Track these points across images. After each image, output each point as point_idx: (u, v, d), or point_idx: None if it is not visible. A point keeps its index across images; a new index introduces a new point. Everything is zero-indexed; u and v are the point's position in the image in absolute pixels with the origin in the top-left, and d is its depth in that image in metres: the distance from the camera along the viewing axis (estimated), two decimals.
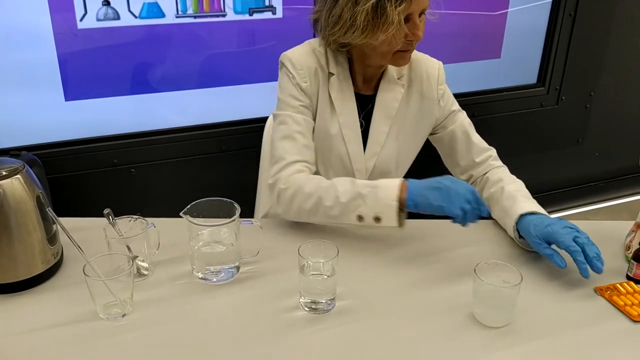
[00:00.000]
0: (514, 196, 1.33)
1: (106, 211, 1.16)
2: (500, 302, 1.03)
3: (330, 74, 1.38)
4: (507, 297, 1.03)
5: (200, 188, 2.16)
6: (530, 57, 2.60)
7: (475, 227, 1.23)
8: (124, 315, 1.06)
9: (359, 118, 1.42)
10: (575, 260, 1.13)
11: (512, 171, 1.47)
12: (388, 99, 1.42)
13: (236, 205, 1.16)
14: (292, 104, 1.36)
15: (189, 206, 1.14)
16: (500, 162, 1.47)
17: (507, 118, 2.61)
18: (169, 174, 2.10)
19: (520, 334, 1.04)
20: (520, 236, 1.25)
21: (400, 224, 1.21)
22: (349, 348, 1.00)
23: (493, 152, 1.48)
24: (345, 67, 1.39)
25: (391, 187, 1.21)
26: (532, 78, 2.65)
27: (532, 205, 1.29)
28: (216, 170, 2.16)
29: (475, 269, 1.05)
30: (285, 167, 1.32)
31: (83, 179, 1.98)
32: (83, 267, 1.03)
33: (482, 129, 1.52)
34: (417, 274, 1.20)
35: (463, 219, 1.17)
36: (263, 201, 1.73)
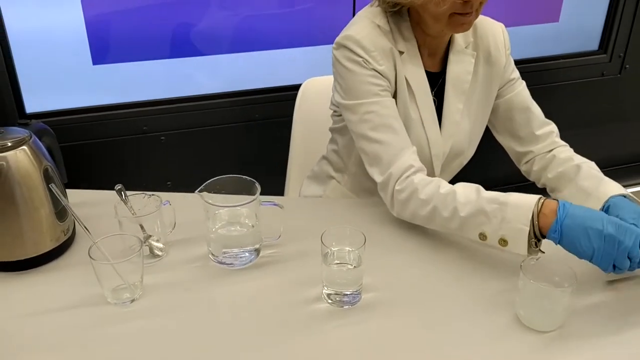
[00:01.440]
0: (597, 176, 1.18)
1: (118, 187, 1.07)
2: (549, 304, 0.91)
3: (400, 52, 1.22)
4: (558, 300, 0.90)
5: (230, 157, 2.08)
6: (592, 21, 2.39)
7: None
8: (132, 301, 0.98)
9: (432, 96, 1.28)
10: None
11: (570, 145, 1.33)
12: (460, 72, 1.28)
13: (257, 184, 1.06)
14: (373, 90, 1.19)
15: (205, 184, 1.05)
16: (562, 141, 1.32)
17: (564, 88, 2.42)
18: (200, 142, 2.02)
19: (572, 341, 0.91)
20: None
21: (532, 253, 1.00)
22: (374, 347, 0.90)
23: (554, 128, 1.33)
24: (414, 44, 1.23)
25: (525, 207, 0.99)
26: (593, 44, 2.45)
27: (621, 188, 1.13)
28: (247, 139, 2.07)
29: (521, 266, 0.92)
30: (392, 161, 1.15)
31: (111, 146, 1.92)
32: (89, 248, 0.95)
33: (536, 100, 1.37)
34: (454, 265, 1.08)
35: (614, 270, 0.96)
36: (294, 177, 1.63)
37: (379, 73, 1.19)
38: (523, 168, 1.36)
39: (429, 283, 1.03)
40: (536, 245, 1.00)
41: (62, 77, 1.80)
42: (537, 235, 0.99)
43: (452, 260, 1.09)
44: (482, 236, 1.04)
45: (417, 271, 1.06)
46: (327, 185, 1.46)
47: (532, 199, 1.00)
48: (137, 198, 1.09)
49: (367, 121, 1.18)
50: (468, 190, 1.07)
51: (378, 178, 1.18)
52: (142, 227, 1.07)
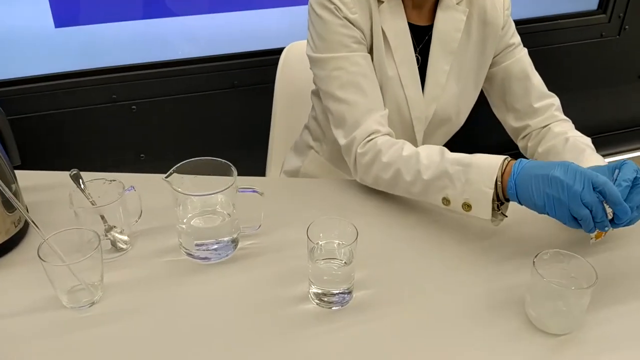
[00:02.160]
0: (580, 147, 1.09)
1: (72, 172, 0.94)
2: (565, 305, 0.80)
3: (380, 2, 1.11)
4: (575, 301, 0.80)
5: (208, 127, 1.94)
6: None
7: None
8: (92, 304, 0.86)
9: (415, 54, 1.16)
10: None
11: (564, 109, 1.22)
12: (448, 29, 1.16)
13: (233, 168, 0.93)
14: (344, 42, 1.09)
15: (174, 168, 0.92)
16: (564, 115, 1.21)
17: (561, 49, 2.30)
18: (174, 112, 1.88)
19: (589, 345, 0.81)
20: None
21: (496, 217, 0.95)
22: (368, 354, 0.79)
23: (556, 100, 1.21)
24: None
25: (489, 168, 0.92)
26: (591, 4, 2.32)
27: (601, 160, 1.04)
28: (226, 108, 1.92)
29: (534, 261, 0.81)
30: (357, 124, 1.08)
31: (76, 117, 1.77)
32: (38, 247, 0.83)
33: (532, 62, 1.25)
34: (457, 259, 0.96)
35: (581, 226, 0.86)
36: (276, 149, 1.51)
37: (350, 22, 1.09)
38: (520, 144, 1.26)
39: (429, 279, 0.92)
40: (499, 208, 0.94)
41: (19, 41, 1.64)
42: (500, 198, 0.93)
43: (452, 251, 0.98)
44: (446, 201, 0.97)
45: (413, 264, 0.95)
46: (305, 156, 1.35)
47: (497, 160, 0.93)
48: (96, 184, 0.96)
49: (335, 78, 1.09)
50: (432, 152, 1.00)
51: (342, 141, 1.11)
52: (102, 217, 0.94)
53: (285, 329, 0.83)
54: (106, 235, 0.94)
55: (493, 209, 0.93)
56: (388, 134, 1.09)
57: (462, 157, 0.97)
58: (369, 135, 1.07)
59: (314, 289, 0.87)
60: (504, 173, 0.92)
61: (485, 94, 1.28)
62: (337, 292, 0.86)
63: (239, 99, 1.91)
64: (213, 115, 1.92)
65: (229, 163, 0.93)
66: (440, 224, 1.03)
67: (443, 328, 0.84)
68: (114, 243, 0.95)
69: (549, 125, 1.19)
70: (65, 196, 0.92)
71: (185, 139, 1.91)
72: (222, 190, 0.89)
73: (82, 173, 0.99)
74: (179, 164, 0.93)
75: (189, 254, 0.94)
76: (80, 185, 0.94)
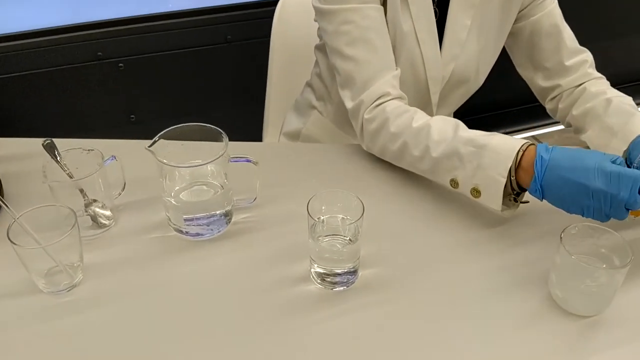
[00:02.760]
0: (629, 111, 0.98)
1: (46, 142, 0.85)
2: (594, 285, 0.72)
3: None
4: (606, 280, 0.71)
5: (200, 86, 1.83)
6: None
7: None
8: (71, 288, 0.78)
9: (433, 6, 1.04)
10: None
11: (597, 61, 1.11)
12: None
13: (224, 135, 0.84)
14: None
15: (157, 137, 0.83)
16: (598, 73, 1.10)
17: None
18: (165, 69, 1.77)
19: (619, 329, 0.74)
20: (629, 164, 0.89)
21: (509, 207, 0.86)
22: (377, 340, 0.72)
23: (589, 56, 1.10)
24: None
25: (505, 153, 0.82)
26: None
27: None
28: (219, 64, 1.81)
29: (561, 236, 0.73)
30: (366, 85, 0.98)
31: (59, 77, 1.66)
32: (8, 227, 0.74)
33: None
34: (473, 233, 0.88)
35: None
36: (273, 110, 1.41)
37: None
38: (548, 106, 1.15)
39: (443, 256, 0.84)
40: (515, 201, 0.86)
41: None
42: (515, 188, 0.84)
43: (467, 223, 0.89)
44: (454, 183, 0.88)
45: (424, 239, 0.87)
46: (308, 117, 1.25)
47: (515, 145, 0.82)
48: (73, 154, 0.86)
49: (344, 34, 0.98)
50: (445, 126, 0.90)
51: (348, 104, 1.01)
52: (81, 191, 0.85)
53: (284, 312, 0.75)
54: (86, 211, 0.85)
55: (507, 199, 0.84)
56: (399, 98, 0.99)
57: (478, 136, 0.86)
58: (378, 99, 0.97)
59: (315, 269, 0.79)
60: (519, 165, 0.82)
61: (508, 51, 1.16)
62: (341, 271, 0.78)
63: (233, 54, 1.80)
64: (206, 72, 1.81)
65: (219, 129, 0.84)
66: (454, 194, 0.94)
67: (458, 310, 0.76)
68: (94, 219, 0.86)
69: (584, 84, 1.08)
70: (40, 167, 0.83)
71: (177, 98, 1.81)
72: (211, 161, 0.80)
73: (60, 141, 0.89)
74: (163, 132, 0.83)
75: (178, 230, 0.86)
76: (55, 156, 0.85)
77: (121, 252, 0.84)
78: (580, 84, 1.08)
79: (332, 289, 0.78)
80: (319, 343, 0.72)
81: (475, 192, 0.85)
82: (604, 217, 0.77)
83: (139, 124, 1.81)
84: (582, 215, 0.78)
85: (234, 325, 0.74)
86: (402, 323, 0.74)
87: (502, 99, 1.98)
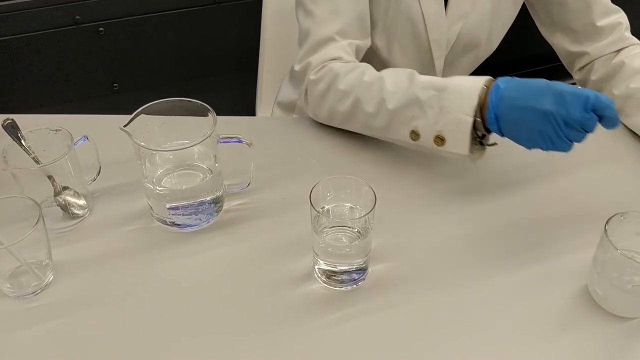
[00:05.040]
0: None
1: (6, 122, 0.73)
2: None
3: None
4: None
5: (187, 50, 1.70)
6: None
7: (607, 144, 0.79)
8: (37, 291, 0.68)
9: None
10: None
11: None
12: None
13: (212, 112, 0.72)
14: None
15: (133, 115, 0.71)
16: (635, 38, 0.97)
17: None
18: (149, 33, 1.64)
19: None
20: None
21: (474, 151, 0.77)
22: (391, 347, 0.62)
23: (624, 17, 0.98)
24: None
25: (468, 91, 0.74)
26: None
27: None
28: (208, 27, 1.68)
29: (605, 227, 0.63)
30: (318, 47, 0.88)
31: (33, 44, 1.53)
32: None
33: None
34: (499, 221, 0.78)
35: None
36: (267, 78, 1.29)
37: None
38: (577, 76, 1.03)
39: (464, 249, 0.74)
40: (481, 144, 0.77)
41: None
42: (479, 129, 0.76)
43: (491, 209, 0.79)
44: (414, 134, 0.79)
45: (442, 228, 0.77)
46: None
47: (477, 82, 0.75)
48: (39, 135, 0.75)
49: None
50: (399, 76, 0.82)
51: (295, 65, 0.92)
52: (50, 178, 0.74)
53: (284, 315, 0.66)
54: (56, 200, 0.75)
55: (473, 142, 0.76)
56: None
57: (436, 80, 0.79)
58: (327, 62, 0.87)
59: (319, 265, 0.69)
60: (485, 97, 0.73)
61: (530, 10, 1.04)
62: (349, 269, 0.68)
63: (222, 17, 1.66)
64: (193, 37, 1.68)
65: (206, 105, 0.73)
66: (475, 173, 0.84)
67: (482, 307, 0.66)
68: (66, 209, 0.75)
69: (621, 54, 0.95)
70: (1, 151, 0.72)
71: (162, 65, 1.68)
72: (197, 143, 0.69)
73: (22, 117, 0.77)
74: (140, 109, 0.72)
75: (162, 221, 0.76)
76: (17, 138, 0.73)
77: (96, 247, 0.73)
78: (617, 51, 0.96)
79: (339, 289, 0.69)
80: (325, 350, 0.62)
81: (439, 139, 0.76)
82: (562, 142, 0.69)
83: (122, 93, 1.69)
84: (543, 148, 0.71)
85: (227, 331, 0.64)
86: (419, 325, 0.65)
87: (520, 58, 1.86)
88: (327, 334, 0.64)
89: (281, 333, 0.64)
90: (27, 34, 1.51)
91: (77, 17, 1.55)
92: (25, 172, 0.72)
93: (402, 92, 0.79)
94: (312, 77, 0.88)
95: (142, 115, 0.72)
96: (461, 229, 0.76)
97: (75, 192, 0.76)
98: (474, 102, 0.73)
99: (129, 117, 0.71)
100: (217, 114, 0.72)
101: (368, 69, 0.85)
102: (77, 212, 0.76)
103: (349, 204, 0.68)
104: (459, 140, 0.75)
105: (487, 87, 0.74)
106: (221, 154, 0.74)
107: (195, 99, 0.73)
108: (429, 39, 0.97)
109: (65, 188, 0.75)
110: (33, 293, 0.68)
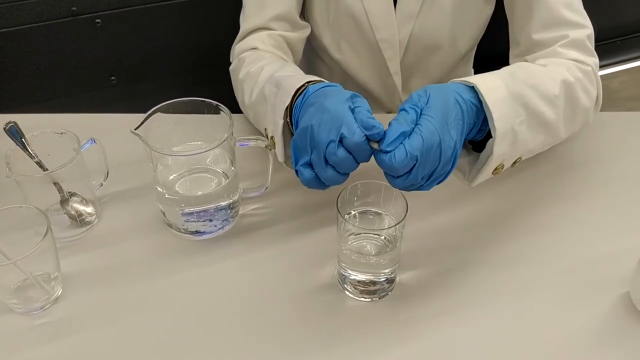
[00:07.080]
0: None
1: (8, 125, 0.69)
2: None
3: None
4: None
5: (190, 42, 1.65)
6: None
7: None
8: (44, 308, 0.64)
9: None
10: None
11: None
12: None
13: (227, 111, 0.68)
14: None
15: (144, 118, 0.67)
16: (577, 53, 0.77)
17: None
18: (148, 24, 1.58)
19: None
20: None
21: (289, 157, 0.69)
22: None
23: (577, 33, 0.78)
24: None
25: (289, 89, 0.66)
26: None
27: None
28: (212, 17, 1.63)
29: None
30: (241, 38, 0.88)
31: (27, 38, 1.47)
32: None
33: None
34: (532, 222, 0.74)
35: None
36: None
37: None
38: None
39: (492, 250, 0.70)
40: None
41: None
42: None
43: (524, 210, 0.75)
44: (267, 136, 0.72)
45: (473, 232, 0.73)
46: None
47: (300, 80, 0.66)
48: (43, 138, 0.71)
49: None
50: (275, 64, 0.77)
51: (231, 55, 0.90)
52: (56, 184, 0.70)
53: (305, 328, 0.62)
54: (63, 209, 0.71)
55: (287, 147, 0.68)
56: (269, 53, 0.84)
57: (283, 73, 0.71)
58: (243, 52, 0.85)
59: (344, 275, 0.65)
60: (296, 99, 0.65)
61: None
62: (376, 279, 0.64)
63: (229, 3, 1.61)
64: (196, 26, 1.63)
65: (221, 105, 0.69)
66: (508, 180, 0.80)
67: (521, 320, 0.63)
68: (74, 217, 0.71)
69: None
70: (3, 157, 0.68)
71: (161, 57, 1.63)
72: (213, 147, 0.65)
73: (25, 117, 0.73)
74: (151, 110, 0.68)
75: (175, 227, 0.71)
76: (21, 142, 0.69)
77: (107, 257, 0.69)
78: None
79: (367, 299, 0.65)
80: None
81: (272, 141, 0.69)
82: (320, 166, 0.58)
83: (120, 86, 1.64)
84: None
85: (246, 345, 0.61)
86: (450, 335, 0.61)
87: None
88: (350, 348, 0.61)
89: (302, 346, 0.60)
90: (21, 26, 1.46)
91: (73, 8, 1.50)
92: (30, 180, 0.68)
93: (262, 84, 0.73)
94: (231, 67, 0.87)
95: (153, 118, 0.68)
96: (494, 235, 0.72)
97: (83, 198, 0.72)
98: (287, 102, 0.65)
99: (135, 115, 0.67)
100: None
101: (265, 60, 0.79)
102: (87, 219, 0.72)
103: (374, 209, 0.64)
104: (278, 144, 0.68)
105: (308, 85, 0.65)
106: (237, 155, 0.70)
107: (196, 93, 0.69)
108: (377, 39, 0.90)
109: (72, 195, 0.71)
110: (41, 308, 0.64)
